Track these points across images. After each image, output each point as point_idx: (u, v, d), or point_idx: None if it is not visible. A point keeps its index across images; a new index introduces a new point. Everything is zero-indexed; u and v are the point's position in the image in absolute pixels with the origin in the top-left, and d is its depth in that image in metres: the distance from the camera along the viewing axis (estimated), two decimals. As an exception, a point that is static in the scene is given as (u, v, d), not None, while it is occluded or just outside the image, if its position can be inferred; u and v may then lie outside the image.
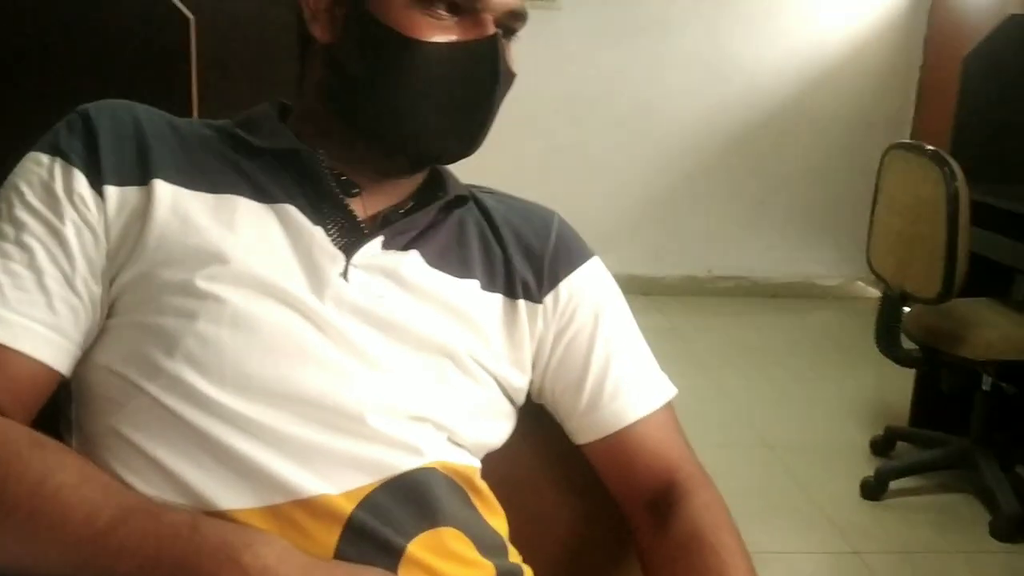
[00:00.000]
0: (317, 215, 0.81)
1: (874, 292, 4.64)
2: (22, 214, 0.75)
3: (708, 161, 4.52)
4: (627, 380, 0.90)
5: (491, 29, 0.79)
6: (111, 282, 0.76)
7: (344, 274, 0.79)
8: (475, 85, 0.80)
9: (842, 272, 4.67)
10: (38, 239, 0.74)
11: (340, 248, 0.80)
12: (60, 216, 0.75)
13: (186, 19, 1.11)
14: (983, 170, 2.55)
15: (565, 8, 4.18)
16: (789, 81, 4.46)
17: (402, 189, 0.88)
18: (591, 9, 4.18)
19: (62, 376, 0.75)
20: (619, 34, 4.32)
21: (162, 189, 0.77)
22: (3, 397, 0.71)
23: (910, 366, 2.64)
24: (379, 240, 0.82)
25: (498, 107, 0.84)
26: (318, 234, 0.80)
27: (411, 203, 0.88)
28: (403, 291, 0.82)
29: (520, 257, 0.90)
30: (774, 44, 4.42)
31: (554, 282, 0.90)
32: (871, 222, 2.63)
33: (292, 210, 0.80)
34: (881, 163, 2.57)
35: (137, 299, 0.75)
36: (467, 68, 0.79)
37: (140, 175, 0.77)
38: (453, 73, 0.79)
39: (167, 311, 0.73)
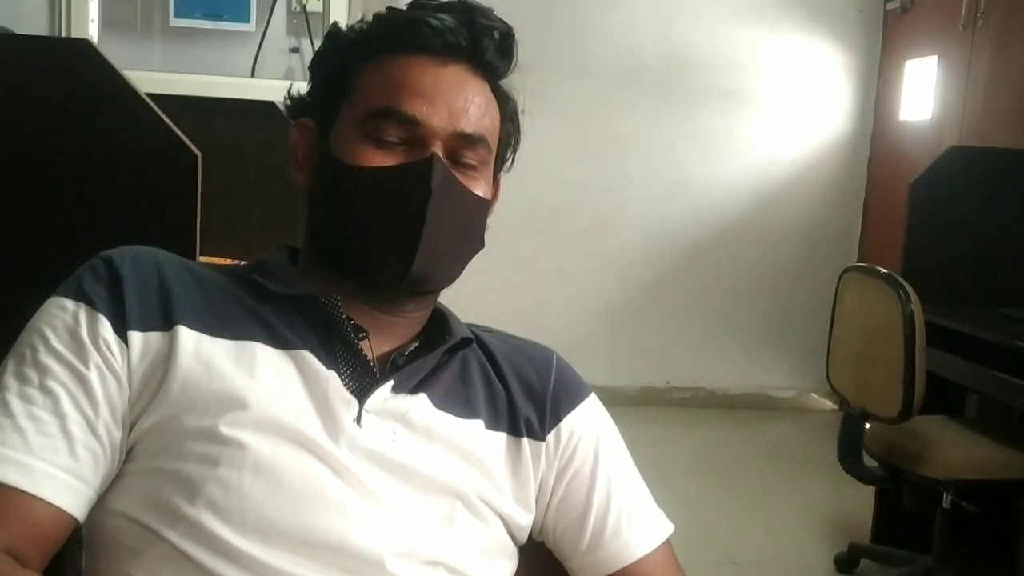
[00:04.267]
0: (330, 359, 0.83)
1: (828, 404, 4.73)
2: (47, 359, 0.76)
3: (665, 275, 4.62)
4: (628, 518, 0.92)
5: (429, 152, 0.83)
6: (131, 428, 0.77)
7: (357, 419, 0.81)
8: (408, 203, 0.83)
9: (796, 384, 4.75)
10: (62, 384, 0.75)
11: (353, 393, 0.82)
12: (85, 361, 0.76)
13: (194, 155, 1.14)
14: (933, 292, 2.65)
15: (526, 125, 4.31)
16: (742, 198, 4.63)
17: (405, 331, 0.91)
18: (553, 126, 4.33)
19: (78, 522, 0.75)
20: (580, 151, 4.47)
21: (185, 335, 0.78)
22: (22, 545, 0.70)
23: (873, 484, 2.68)
24: (389, 384, 0.84)
25: (447, 226, 0.84)
26: (332, 379, 0.82)
27: (415, 344, 0.91)
28: (413, 434, 0.84)
29: (522, 396, 0.92)
30: (727, 163, 4.59)
31: (556, 420, 0.93)
32: (829, 341, 2.71)
33: (308, 356, 0.82)
34: (838, 284, 2.67)
35: (158, 445, 0.76)
36: (400, 187, 0.83)
37: (163, 321, 0.79)
38: (388, 194, 0.83)
39: (189, 457, 0.74)
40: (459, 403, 0.88)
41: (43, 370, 0.75)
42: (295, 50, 4.03)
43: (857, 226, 4.71)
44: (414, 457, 0.82)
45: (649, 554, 0.91)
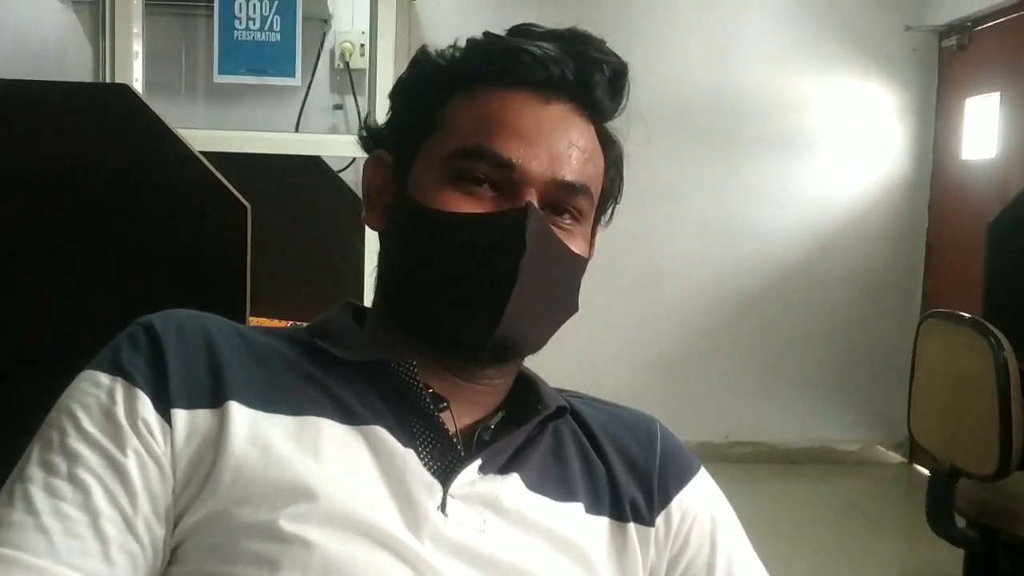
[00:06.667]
0: (407, 435, 0.71)
1: (896, 457, 4.51)
2: (77, 444, 0.65)
3: (720, 325, 4.47)
4: (751, 615, 0.79)
5: (523, 202, 0.73)
6: (176, 523, 0.65)
7: (442, 507, 0.69)
8: (498, 258, 0.72)
9: (862, 437, 4.54)
10: (95, 474, 0.64)
11: (435, 474, 0.70)
12: (121, 446, 0.65)
13: (243, 207, 1.05)
14: (1019, 336, 2.48)
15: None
16: (797, 244, 4.48)
17: (489, 399, 0.79)
18: (601, 176, 4.24)
19: (114, 641, 0.63)
20: (631, 198, 4.32)
21: (238, 413, 0.67)
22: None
23: (966, 547, 2.48)
24: (476, 463, 0.72)
25: (539, 286, 0.74)
26: (410, 459, 0.70)
27: (500, 415, 0.79)
28: (505, 522, 0.71)
29: (624, 473, 0.80)
30: (781, 209, 4.46)
31: (665, 501, 0.80)
32: (910, 393, 2.54)
33: (381, 432, 0.70)
34: (918, 332, 2.51)
35: (207, 544, 0.64)
36: (490, 240, 0.72)
37: (212, 396, 0.68)
38: (475, 246, 0.73)
39: (244, 559, 0.62)
40: (555, 483, 0.76)
41: (73, 457, 0.64)
42: (339, 107, 3.99)
43: (920, 270, 4.52)
44: (508, 550, 0.70)
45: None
